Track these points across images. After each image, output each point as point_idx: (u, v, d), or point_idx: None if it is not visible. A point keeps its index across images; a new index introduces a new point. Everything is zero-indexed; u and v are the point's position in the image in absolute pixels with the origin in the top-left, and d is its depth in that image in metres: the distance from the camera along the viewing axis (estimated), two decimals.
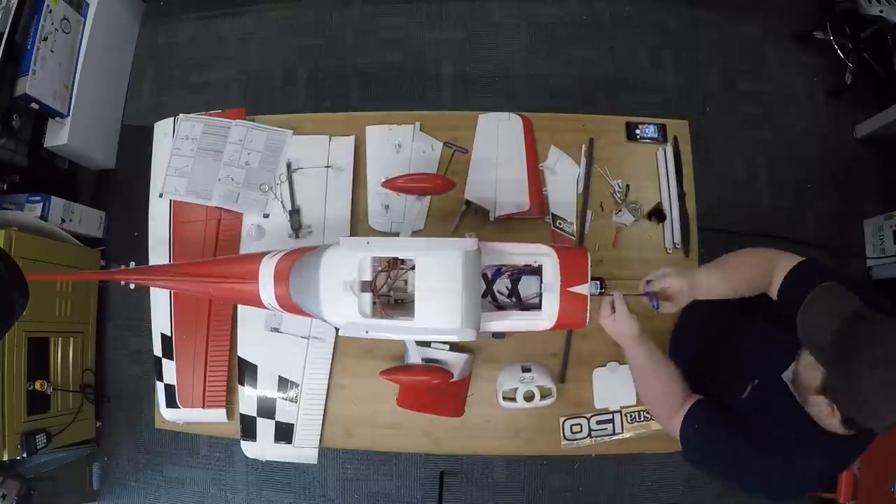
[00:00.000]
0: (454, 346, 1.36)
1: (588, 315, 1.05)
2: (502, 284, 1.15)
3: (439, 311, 0.98)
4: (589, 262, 1.06)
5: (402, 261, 1.08)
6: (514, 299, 1.14)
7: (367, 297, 1.02)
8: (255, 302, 1.18)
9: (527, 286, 1.13)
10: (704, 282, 1.07)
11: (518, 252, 1.09)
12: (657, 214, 1.51)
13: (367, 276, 1.03)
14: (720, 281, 1.08)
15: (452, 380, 1.39)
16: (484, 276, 1.13)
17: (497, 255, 1.09)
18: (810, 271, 1.02)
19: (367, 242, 1.03)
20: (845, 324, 0.83)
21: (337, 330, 1.05)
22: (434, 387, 1.29)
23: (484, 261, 1.07)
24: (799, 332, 0.88)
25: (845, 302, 0.86)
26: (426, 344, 1.35)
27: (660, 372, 1.09)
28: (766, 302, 1.09)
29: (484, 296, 1.13)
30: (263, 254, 1.20)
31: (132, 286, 1.33)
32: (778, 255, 1.07)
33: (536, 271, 1.09)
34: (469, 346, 1.42)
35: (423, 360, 1.35)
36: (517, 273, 1.13)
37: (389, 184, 1.38)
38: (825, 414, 0.90)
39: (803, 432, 0.94)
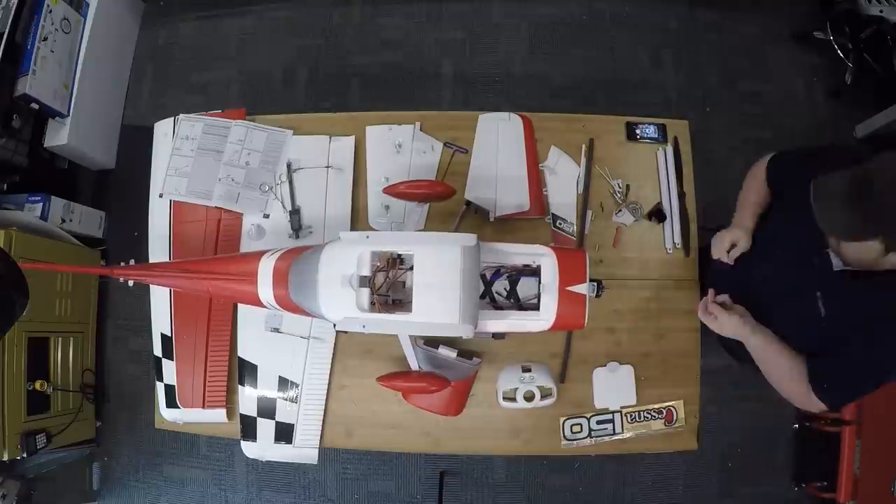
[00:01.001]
0: (462, 353, 1.36)
1: (587, 316, 1.05)
2: (501, 286, 1.15)
3: (437, 306, 0.98)
4: (587, 263, 1.06)
5: (402, 261, 1.08)
6: (512, 300, 1.14)
7: (366, 291, 1.02)
8: (254, 300, 1.18)
9: (525, 288, 1.13)
10: (747, 223, 1.28)
11: (516, 252, 1.09)
12: (657, 215, 1.51)
13: (366, 271, 1.03)
14: (754, 213, 1.29)
15: (455, 380, 1.40)
16: (483, 277, 1.13)
17: (496, 254, 1.09)
18: (779, 166, 1.29)
19: (367, 237, 1.03)
20: (858, 195, 0.88)
21: (336, 327, 1.04)
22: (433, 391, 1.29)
23: (483, 261, 1.08)
24: (830, 232, 0.96)
25: (840, 183, 0.91)
26: (434, 346, 1.35)
27: (778, 355, 1.14)
28: (766, 238, 1.24)
29: (482, 297, 1.13)
30: (263, 252, 1.20)
31: (131, 284, 1.33)
32: (756, 166, 1.33)
33: (535, 273, 1.09)
34: (478, 350, 1.42)
35: (430, 363, 1.35)
36: (516, 274, 1.13)
37: (390, 189, 1.38)
38: None
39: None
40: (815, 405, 1.11)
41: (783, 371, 1.14)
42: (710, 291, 1.26)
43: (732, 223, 1.29)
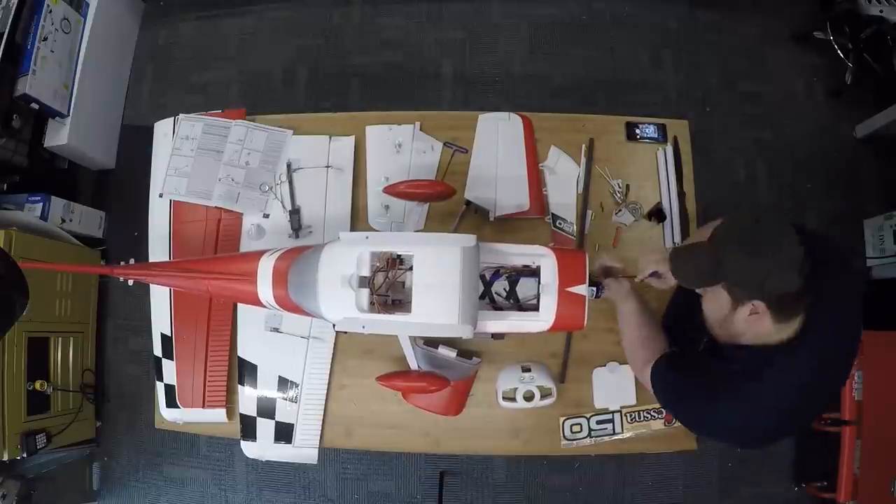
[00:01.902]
0: (462, 353, 1.36)
1: (586, 317, 1.05)
2: (500, 286, 1.15)
3: (436, 307, 0.98)
4: (587, 263, 1.06)
5: (401, 262, 1.08)
6: (511, 301, 1.14)
7: (365, 292, 1.02)
8: (254, 299, 1.18)
9: (525, 288, 1.13)
10: None
11: (516, 253, 1.09)
12: (657, 214, 1.51)
13: (366, 272, 1.03)
14: None
15: (455, 380, 1.40)
16: (482, 277, 1.13)
17: (495, 255, 1.09)
18: None
19: (367, 237, 1.03)
20: (704, 246, 0.93)
21: (335, 328, 1.04)
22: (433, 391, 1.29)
23: (482, 261, 1.07)
24: (681, 281, 1.01)
25: (694, 245, 0.97)
26: (434, 347, 1.35)
27: (644, 323, 1.17)
28: None
29: (482, 297, 1.13)
30: (262, 252, 1.20)
31: (131, 283, 1.33)
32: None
33: (534, 273, 1.09)
34: (477, 350, 1.42)
35: (430, 363, 1.35)
36: (515, 275, 1.13)
37: (391, 189, 1.39)
38: (753, 321, 0.93)
39: (751, 361, 0.97)
40: (644, 379, 1.15)
41: (645, 336, 1.17)
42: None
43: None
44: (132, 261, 1.33)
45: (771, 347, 0.96)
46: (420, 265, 1.00)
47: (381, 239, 1.06)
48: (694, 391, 1.04)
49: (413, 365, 1.27)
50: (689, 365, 1.09)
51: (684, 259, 0.99)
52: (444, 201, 1.41)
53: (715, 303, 0.97)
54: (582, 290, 1.04)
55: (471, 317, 0.99)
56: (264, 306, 1.19)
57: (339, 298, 1.02)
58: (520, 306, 1.13)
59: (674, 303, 1.41)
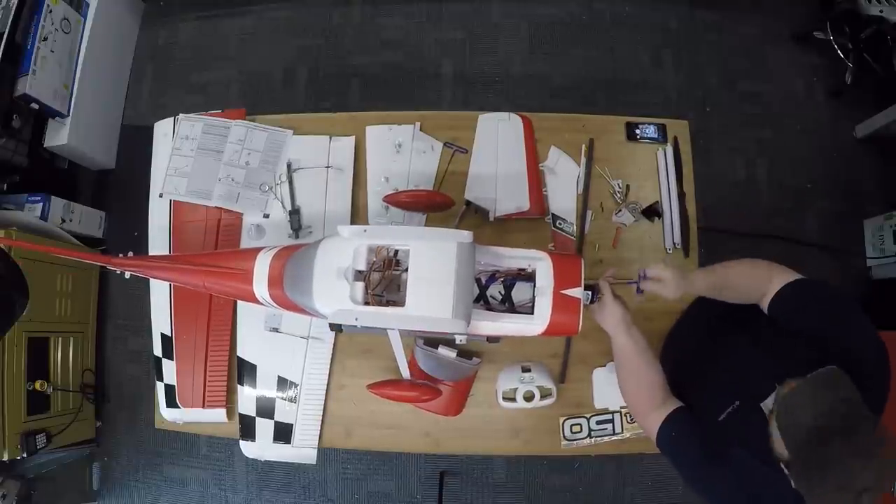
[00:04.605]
0: (462, 353, 1.35)
1: (581, 321, 1.05)
2: (495, 290, 1.15)
3: (431, 300, 0.97)
4: (583, 269, 1.06)
5: (398, 262, 1.08)
6: (506, 304, 1.14)
7: (360, 285, 1.02)
8: (249, 295, 1.17)
9: (520, 293, 1.13)
10: (697, 284, 1.09)
11: (513, 256, 1.09)
12: (652, 211, 1.51)
13: (362, 266, 1.03)
14: (713, 286, 1.10)
15: (455, 380, 1.40)
16: (477, 280, 1.12)
17: (492, 257, 1.09)
18: (804, 290, 1.03)
19: (365, 230, 1.04)
20: (817, 435, 0.80)
21: (329, 320, 1.03)
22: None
23: (478, 263, 1.07)
24: (777, 407, 0.86)
25: (828, 400, 0.82)
26: (434, 347, 1.35)
27: (645, 365, 1.07)
28: (758, 324, 1.10)
29: (477, 300, 1.13)
30: (261, 248, 1.20)
31: (128, 276, 1.32)
32: (774, 269, 1.07)
33: (530, 278, 1.09)
34: (478, 350, 1.42)
35: (430, 364, 1.35)
36: (511, 279, 1.13)
37: (391, 198, 1.40)
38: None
39: (772, 467, 0.90)
40: (648, 428, 1.07)
41: (645, 381, 1.08)
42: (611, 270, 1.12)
43: (688, 272, 1.10)
44: (130, 253, 1.32)
45: None
46: (416, 259, 1.00)
47: (379, 232, 1.06)
48: (714, 474, 0.97)
49: (405, 373, 1.27)
50: (711, 441, 0.99)
51: (793, 425, 0.83)
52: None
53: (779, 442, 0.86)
54: (577, 293, 1.04)
55: (465, 312, 0.99)
56: (260, 302, 1.18)
57: (334, 290, 1.02)
58: (514, 310, 1.13)
59: (678, 346, 1.35)
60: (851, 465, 0.78)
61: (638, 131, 1.57)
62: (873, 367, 0.94)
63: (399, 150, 1.54)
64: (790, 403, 0.85)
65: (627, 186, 1.54)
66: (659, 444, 1.06)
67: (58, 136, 2.29)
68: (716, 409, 1.02)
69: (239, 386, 1.43)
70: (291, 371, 1.43)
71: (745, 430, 0.96)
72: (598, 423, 1.43)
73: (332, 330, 1.06)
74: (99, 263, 1.31)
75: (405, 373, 1.27)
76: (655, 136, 1.57)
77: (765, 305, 1.06)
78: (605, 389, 1.44)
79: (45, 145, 2.30)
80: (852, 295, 2.34)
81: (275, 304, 1.17)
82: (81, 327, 2.28)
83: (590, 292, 1.08)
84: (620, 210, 1.53)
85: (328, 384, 1.44)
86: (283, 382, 1.43)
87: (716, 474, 0.98)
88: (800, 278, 1.04)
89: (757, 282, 1.07)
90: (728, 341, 1.19)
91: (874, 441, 0.80)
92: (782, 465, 0.87)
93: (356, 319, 0.99)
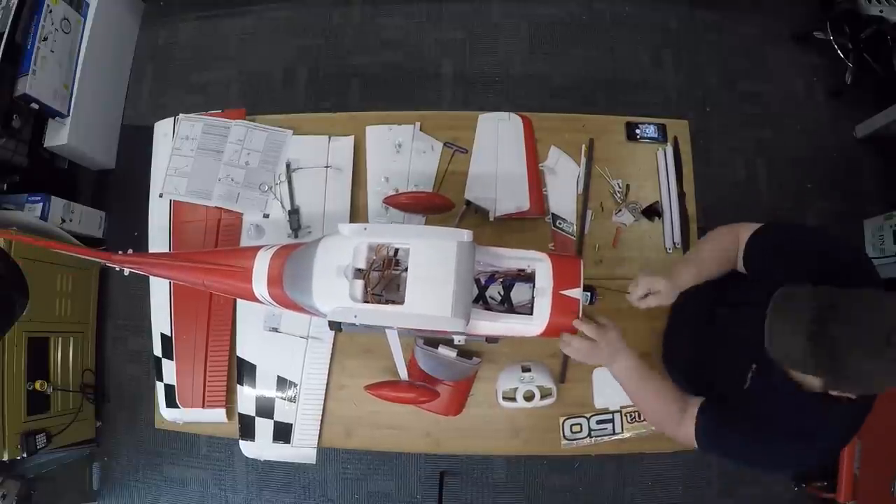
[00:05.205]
0: (462, 353, 1.35)
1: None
2: (495, 291, 1.15)
3: (430, 299, 0.97)
4: (582, 270, 1.06)
5: (398, 262, 1.08)
6: (505, 305, 1.14)
7: (360, 283, 1.02)
8: (248, 293, 1.17)
9: (519, 294, 1.13)
10: (684, 278, 1.11)
11: (512, 256, 1.09)
12: (651, 211, 1.51)
13: (362, 264, 1.03)
14: (697, 273, 1.12)
15: (455, 380, 1.40)
16: (477, 281, 1.12)
17: (491, 257, 1.09)
18: (765, 238, 1.07)
19: (365, 228, 1.04)
20: (813, 331, 0.81)
21: (327, 318, 1.03)
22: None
23: (478, 263, 1.07)
24: (773, 355, 0.87)
25: (802, 306, 0.84)
26: (434, 347, 1.35)
27: (650, 387, 1.08)
28: (745, 285, 1.12)
29: (476, 301, 1.12)
30: (261, 246, 1.20)
31: (127, 273, 1.32)
32: (735, 230, 1.11)
33: (529, 279, 1.09)
34: (478, 350, 1.42)
35: (430, 364, 1.35)
36: (510, 280, 1.13)
37: (391, 200, 1.41)
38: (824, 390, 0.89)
39: (813, 405, 0.92)
40: (684, 440, 1.06)
41: (658, 399, 1.08)
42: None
43: (671, 271, 1.11)
44: (130, 250, 1.32)
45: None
46: (415, 257, 1.00)
47: (379, 230, 1.06)
48: (758, 445, 0.99)
49: (403, 374, 1.27)
50: (742, 416, 1.01)
51: (786, 333, 0.85)
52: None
53: (800, 375, 0.90)
54: (576, 293, 1.04)
55: (464, 311, 0.99)
56: (259, 300, 1.19)
57: (333, 287, 1.02)
58: (513, 310, 1.13)
59: (675, 342, 1.37)
60: (863, 328, 0.79)
61: (638, 131, 1.57)
62: (853, 267, 0.97)
63: (399, 150, 1.54)
64: (774, 345, 0.86)
65: (627, 186, 1.54)
66: (704, 452, 1.07)
67: (58, 136, 2.29)
68: (738, 380, 1.04)
69: (238, 386, 1.43)
70: (291, 371, 1.43)
71: (772, 385, 0.97)
72: (598, 422, 1.43)
73: (331, 329, 1.05)
74: (99, 260, 1.31)
75: (403, 374, 1.27)
76: (655, 136, 1.57)
77: (740, 267, 1.10)
78: (605, 389, 1.44)
79: (45, 145, 2.30)
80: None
81: (274, 303, 1.17)
82: (81, 327, 2.28)
83: (589, 293, 1.08)
84: (620, 210, 1.53)
85: (328, 384, 1.44)
86: (282, 382, 1.42)
87: (768, 442, 0.99)
88: (757, 228, 1.08)
89: (727, 252, 1.11)
90: (723, 314, 1.21)
91: (863, 296, 0.83)
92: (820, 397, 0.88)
93: (355, 317, 0.99)
